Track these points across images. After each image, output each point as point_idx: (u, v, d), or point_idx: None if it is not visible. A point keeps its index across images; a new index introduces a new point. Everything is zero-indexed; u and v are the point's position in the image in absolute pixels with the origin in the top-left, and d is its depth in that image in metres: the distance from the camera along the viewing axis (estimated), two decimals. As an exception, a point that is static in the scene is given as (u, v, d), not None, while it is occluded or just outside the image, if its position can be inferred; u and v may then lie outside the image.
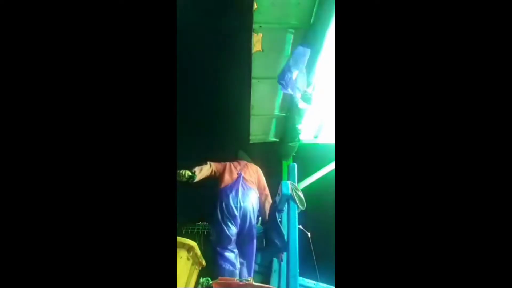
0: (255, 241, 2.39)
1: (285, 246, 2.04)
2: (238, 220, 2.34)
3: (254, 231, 2.39)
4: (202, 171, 2.46)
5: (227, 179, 2.52)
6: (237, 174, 2.55)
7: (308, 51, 1.91)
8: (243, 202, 2.39)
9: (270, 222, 2.41)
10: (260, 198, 2.59)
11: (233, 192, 2.42)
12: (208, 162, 2.56)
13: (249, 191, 2.49)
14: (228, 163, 2.66)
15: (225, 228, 2.27)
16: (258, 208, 2.53)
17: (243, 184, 2.50)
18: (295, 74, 1.86)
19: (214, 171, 2.56)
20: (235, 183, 2.49)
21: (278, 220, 2.36)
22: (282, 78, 1.87)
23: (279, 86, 1.99)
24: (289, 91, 1.88)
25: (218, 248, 2.23)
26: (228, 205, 2.35)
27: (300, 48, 1.90)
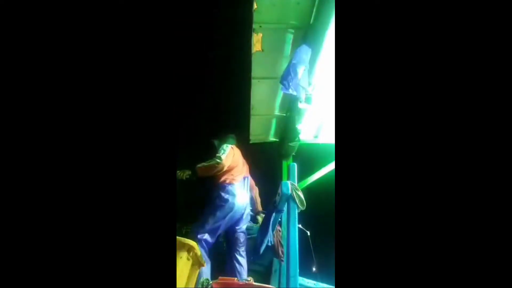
0: (247, 238, 2.37)
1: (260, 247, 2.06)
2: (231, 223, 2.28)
3: (245, 233, 2.38)
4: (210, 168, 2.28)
5: (237, 176, 2.38)
6: (244, 176, 2.49)
7: (309, 51, 1.90)
8: (249, 206, 2.38)
9: (262, 224, 2.40)
10: (253, 194, 2.58)
11: (245, 197, 2.37)
12: (221, 161, 2.29)
13: (251, 195, 2.49)
14: (241, 157, 2.53)
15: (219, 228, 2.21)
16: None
17: (250, 189, 2.49)
18: (299, 74, 1.85)
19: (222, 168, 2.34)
20: (244, 185, 2.41)
21: (278, 220, 2.36)
22: (285, 79, 1.86)
23: (280, 86, 1.99)
24: (291, 91, 1.88)
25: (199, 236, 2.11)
26: (237, 209, 2.25)
27: (302, 49, 1.90)
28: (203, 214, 2.23)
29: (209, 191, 2.37)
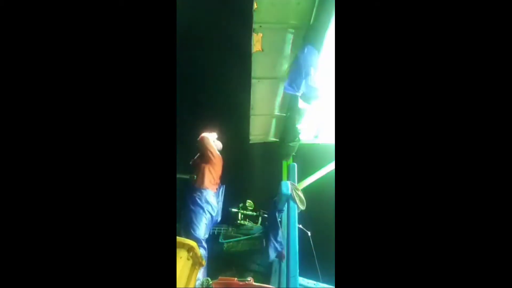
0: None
1: (283, 248, 2.05)
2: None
3: None
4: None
5: (217, 185, 2.57)
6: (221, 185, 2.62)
7: (315, 53, 1.89)
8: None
9: (270, 223, 2.41)
10: None
11: (220, 197, 2.53)
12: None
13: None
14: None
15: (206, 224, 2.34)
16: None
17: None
18: (309, 74, 1.84)
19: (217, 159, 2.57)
20: (220, 193, 2.57)
21: (278, 220, 2.36)
22: (293, 81, 1.84)
23: (280, 86, 1.98)
24: (300, 93, 1.86)
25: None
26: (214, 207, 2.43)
27: (307, 50, 1.89)
28: (194, 221, 2.32)
29: (189, 194, 2.47)
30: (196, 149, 2.67)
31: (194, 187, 2.45)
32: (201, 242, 2.21)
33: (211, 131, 2.75)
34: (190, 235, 2.19)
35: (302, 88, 1.84)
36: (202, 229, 2.27)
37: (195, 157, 2.66)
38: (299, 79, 1.83)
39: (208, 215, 2.36)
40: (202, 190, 2.42)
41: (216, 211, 2.46)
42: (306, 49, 1.88)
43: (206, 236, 2.32)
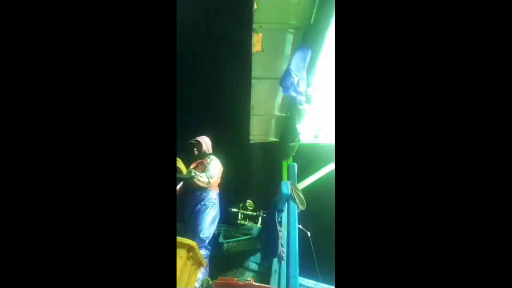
0: None
1: (276, 251, 2.06)
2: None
3: None
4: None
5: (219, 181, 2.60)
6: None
7: (309, 53, 1.90)
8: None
9: (267, 223, 2.42)
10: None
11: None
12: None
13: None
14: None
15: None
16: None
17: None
18: (296, 78, 1.86)
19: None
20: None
21: (278, 220, 2.36)
22: (284, 81, 1.87)
23: (280, 87, 1.99)
24: (291, 93, 1.88)
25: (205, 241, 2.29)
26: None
27: (301, 50, 1.90)
28: (199, 221, 2.33)
29: (194, 194, 2.47)
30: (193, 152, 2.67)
31: (196, 186, 2.43)
32: (204, 242, 2.21)
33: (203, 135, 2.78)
34: (196, 236, 2.20)
35: (293, 88, 1.86)
36: (208, 229, 2.28)
37: (197, 160, 2.66)
38: (289, 79, 1.84)
39: (214, 215, 2.36)
40: (208, 190, 2.43)
41: (218, 211, 2.48)
42: (296, 53, 1.89)
43: (210, 236, 2.32)
